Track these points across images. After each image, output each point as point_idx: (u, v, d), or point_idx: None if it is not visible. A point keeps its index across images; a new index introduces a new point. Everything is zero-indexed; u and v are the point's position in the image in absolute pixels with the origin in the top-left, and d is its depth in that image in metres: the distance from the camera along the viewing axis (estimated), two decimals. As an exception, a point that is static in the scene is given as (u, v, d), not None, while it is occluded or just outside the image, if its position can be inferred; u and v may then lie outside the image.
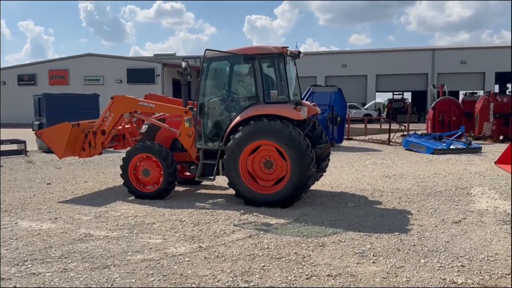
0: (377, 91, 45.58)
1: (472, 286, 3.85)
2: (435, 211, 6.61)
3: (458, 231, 5.53)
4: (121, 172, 7.61)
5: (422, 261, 4.46)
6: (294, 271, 4.23)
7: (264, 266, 4.37)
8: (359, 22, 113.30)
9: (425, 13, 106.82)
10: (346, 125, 20.01)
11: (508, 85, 46.64)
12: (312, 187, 8.56)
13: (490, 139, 19.26)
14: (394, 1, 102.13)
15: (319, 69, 43.48)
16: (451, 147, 14.49)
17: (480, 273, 4.14)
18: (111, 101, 8.08)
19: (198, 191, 8.32)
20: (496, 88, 42.54)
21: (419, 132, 17.99)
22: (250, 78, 7.25)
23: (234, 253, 4.75)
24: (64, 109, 15.44)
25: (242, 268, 4.31)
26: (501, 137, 19.61)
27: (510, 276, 4.06)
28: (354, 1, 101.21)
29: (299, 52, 7.60)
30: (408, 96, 47.94)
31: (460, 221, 6.02)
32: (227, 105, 7.43)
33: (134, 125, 8.85)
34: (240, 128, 6.81)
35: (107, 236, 5.41)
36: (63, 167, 11.40)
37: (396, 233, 5.42)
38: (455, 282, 3.93)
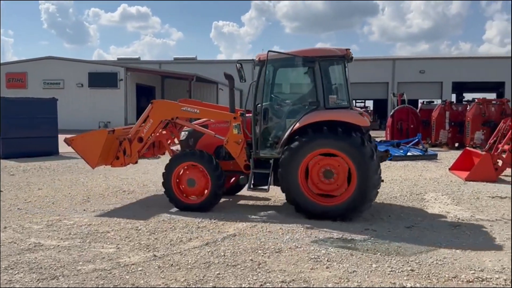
0: (340, 99, 46.44)
1: (419, 289, 3.97)
2: (389, 216, 6.79)
3: (410, 236, 5.70)
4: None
5: (374, 265, 4.56)
6: (248, 278, 4.22)
7: (219, 274, 4.34)
8: (324, 31, 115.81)
9: (387, 24, 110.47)
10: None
11: (464, 95, 48.77)
12: (277, 193, 8.63)
13: (446, 146, 20.04)
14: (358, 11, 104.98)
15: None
16: (408, 154, 14.97)
17: (429, 276, 4.28)
18: (150, 106, 7.47)
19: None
20: (453, 97, 44.45)
21: (378, 139, 18.49)
22: (310, 81, 6.93)
23: (190, 261, 4.70)
24: (21, 114, 14.89)
25: (197, 276, 4.27)
26: (456, 144, 20.44)
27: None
28: (319, 10, 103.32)
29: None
30: (370, 104, 49.27)
31: (412, 226, 6.21)
32: (285, 110, 7.10)
33: (168, 132, 8.18)
34: (301, 135, 6.38)
35: (58, 245, 5.22)
36: (17, 173, 10.95)
37: (350, 238, 5.53)
38: (404, 286, 4.03)
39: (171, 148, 8.20)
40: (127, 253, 4.97)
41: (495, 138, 11.56)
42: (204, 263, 4.62)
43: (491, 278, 4.20)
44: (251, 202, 7.88)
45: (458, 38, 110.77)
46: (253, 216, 6.70)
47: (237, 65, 7.14)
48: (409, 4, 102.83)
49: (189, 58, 48.22)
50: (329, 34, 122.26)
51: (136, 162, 7.77)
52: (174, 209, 7.12)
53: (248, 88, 7.14)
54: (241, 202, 7.94)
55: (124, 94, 32.78)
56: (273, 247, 5.17)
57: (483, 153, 11.02)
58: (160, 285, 4.07)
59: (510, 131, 10.99)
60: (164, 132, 7.96)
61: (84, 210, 7.13)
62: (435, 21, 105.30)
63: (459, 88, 46.04)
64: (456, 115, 20.63)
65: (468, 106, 20.99)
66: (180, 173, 7.06)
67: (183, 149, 7.61)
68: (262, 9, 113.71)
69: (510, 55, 35.90)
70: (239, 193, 8.30)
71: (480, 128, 18.68)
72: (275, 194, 7.80)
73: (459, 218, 6.72)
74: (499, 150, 10.97)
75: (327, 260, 4.72)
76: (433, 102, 26.46)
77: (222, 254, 4.92)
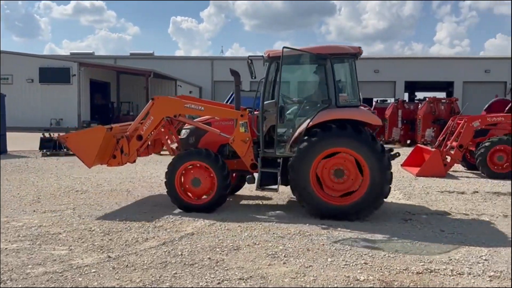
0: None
1: (372, 282, 4.10)
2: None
3: (352, 230, 5.85)
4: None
5: (329, 260, 4.67)
6: (206, 277, 4.20)
7: (176, 273, 4.29)
8: (284, 29, 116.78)
9: (344, 24, 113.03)
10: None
11: (416, 93, 50.80)
12: (241, 190, 8.63)
13: (398, 143, 20.83)
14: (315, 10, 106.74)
15: (245, 74, 43.95)
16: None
17: (381, 269, 4.43)
18: (150, 103, 7.14)
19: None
20: (406, 96, 46.19)
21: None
22: (321, 79, 6.82)
23: (146, 261, 4.61)
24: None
25: (153, 277, 4.19)
26: (408, 141, 21.29)
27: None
28: (279, 9, 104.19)
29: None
30: (328, 102, 50.06)
31: (366, 220, 6.39)
32: (296, 108, 6.97)
33: (166, 129, 7.80)
34: (314, 133, 6.30)
35: (6, 248, 4.96)
36: (-41, 174, 10.30)
37: (307, 233, 5.63)
38: (357, 279, 4.15)
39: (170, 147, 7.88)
40: (80, 254, 4.80)
41: (444, 135, 12.16)
42: (161, 263, 4.55)
43: (439, 269, 4.40)
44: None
45: (411, 38, 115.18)
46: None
47: (248, 60, 7.11)
48: (364, 4, 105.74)
49: (146, 54, 47.18)
50: (288, 32, 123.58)
51: (134, 161, 7.47)
52: (133, 209, 6.97)
53: (257, 85, 7.02)
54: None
55: (77, 90, 31.64)
56: (231, 244, 5.17)
57: (433, 149, 11.54)
58: (114, 286, 3.97)
59: (458, 128, 11.58)
60: (162, 129, 7.59)
61: (34, 211, 6.82)
62: (390, 22, 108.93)
63: (411, 87, 47.90)
64: (408, 113, 21.48)
65: (420, 104, 21.91)
66: (183, 173, 6.81)
67: (184, 148, 7.36)
68: (221, 6, 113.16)
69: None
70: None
71: (431, 126, 19.55)
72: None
73: (410, 212, 7.00)
74: (448, 147, 11.54)
75: (284, 256, 4.78)
76: (386, 100, 27.40)
77: (179, 253, 4.87)
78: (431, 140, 18.09)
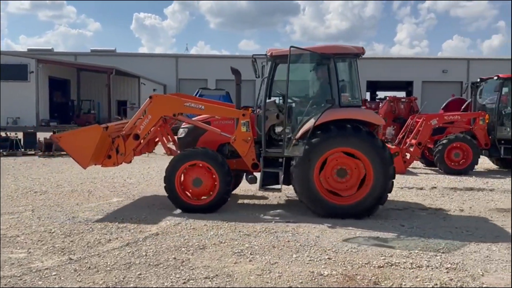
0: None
1: (336, 276, 4.20)
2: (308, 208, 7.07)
3: (328, 226, 5.98)
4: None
5: (294, 256, 4.74)
6: (171, 277, 4.16)
7: (140, 274, 4.22)
8: (248, 28, 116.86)
9: (308, 24, 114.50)
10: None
11: (378, 93, 52.14)
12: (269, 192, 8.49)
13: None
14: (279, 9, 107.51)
15: (210, 72, 43.82)
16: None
17: (344, 264, 4.54)
18: (148, 101, 6.94)
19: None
20: (368, 95, 47.39)
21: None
22: (324, 79, 6.78)
23: (109, 263, 4.51)
24: None
25: (116, 278, 4.11)
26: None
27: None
28: (243, 7, 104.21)
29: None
30: (293, 100, 50.57)
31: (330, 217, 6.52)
32: (300, 108, 6.88)
33: (162, 128, 7.64)
34: (318, 133, 6.29)
35: (-42, 254, 4.73)
36: None
37: (273, 230, 5.68)
38: (321, 274, 4.24)
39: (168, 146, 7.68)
40: (40, 257, 4.64)
41: (403, 133, 12.57)
42: (124, 264, 4.47)
43: (399, 263, 4.56)
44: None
45: (372, 39, 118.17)
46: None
47: (252, 59, 7.06)
48: (327, 5, 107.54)
49: (107, 50, 46.04)
50: (253, 31, 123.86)
51: (130, 162, 7.22)
52: (102, 211, 6.79)
53: (260, 84, 6.96)
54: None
55: (35, 88, 30.51)
56: (197, 244, 5.14)
57: (393, 147, 11.90)
58: (76, 289, 3.87)
59: (417, 126, 12.01)
60: (158, 128, 7.38)
61: (-11, 214, 6.52)
62: (352, 22, 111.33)
63: (373, 86, 49.18)
64: (371, 112, 21.98)
65: (381, 103, 22.52)
66: (183, 173, 6.66)
67: (182, 147, 7.22)
68: (186, 3, 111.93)
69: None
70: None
71: (391, 124, 20.14)
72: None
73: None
74: (407, 144, 11.94)
75: (250, 254, 4.81)
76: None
77: (144, 254, 4.79)
78: (391, 138, 18.65)
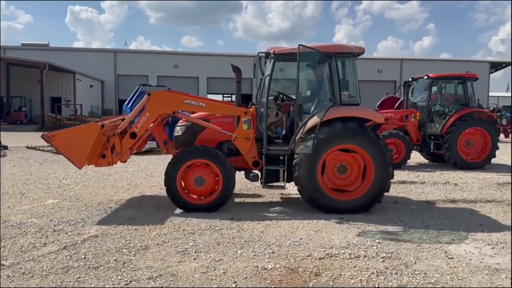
0: (208, 93, 47.13)
1: (279, 270, 4.29)
2: (255, 205, 7.17)
3: (271, 221, 6.10)
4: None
5: (239, 252, 4.79)
6: (112, 279, 4.04)
7: (79, 278, 4.06)
8: (190, 24, 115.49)
9: (250, 22, 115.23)
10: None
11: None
12: (141, 189, 8.38)
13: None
14: (222, 7, 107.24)
15: (151, 68, 42.78)
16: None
17: (287, 257, 4.66)
18: (146, 98, 6.69)
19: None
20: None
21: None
22: (326, 77, 6.81)
23: (45, 267, 4.29)
24: None
25: (53, 283, 3.93)
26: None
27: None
28: (185, 3, 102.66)
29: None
30: (236, 98, 50.78)
31: (274, 211, 6.65)
32: (303, 106, 6.73)
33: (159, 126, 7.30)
34: (323, 129, 6.35)
35: None
36: None
37: (218, 228, 5.69)
38: (265, 268, 4.32)
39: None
40: (-35, 266, 4.31)
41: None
42: (62, 268, 4.27)
43: (338, 254, 4.76)
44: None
45: (312, 39, 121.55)
46: (113, 217, 6.41)
47: (256, 58, 7.08)
48: (269, 4, 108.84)
49: (40, 44, 43.37)
50: (195, 28, 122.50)
51: (125, 161, 6.94)
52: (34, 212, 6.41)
53: (260, 82, 6.90)
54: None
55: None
56: (139, 244, 5.03)
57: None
58: (8, 297, 3.65)
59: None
60: (151, 125, 7.02)
61: None
62: (293, 22, 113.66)
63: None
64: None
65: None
66: (184, 173, 6.53)
67: (179, 146, 7.05)
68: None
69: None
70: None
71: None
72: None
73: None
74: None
75: (195, 252, 4.79)
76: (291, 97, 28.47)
77: (83, 257, 4.61)
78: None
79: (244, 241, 5.17)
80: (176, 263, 4.48)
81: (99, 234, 5.44)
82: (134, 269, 4.28)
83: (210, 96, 48.34)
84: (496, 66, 51.24)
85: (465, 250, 4.94)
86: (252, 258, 4.60)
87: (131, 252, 4.79)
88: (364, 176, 6.63)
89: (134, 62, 43.40)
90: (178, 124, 7.35)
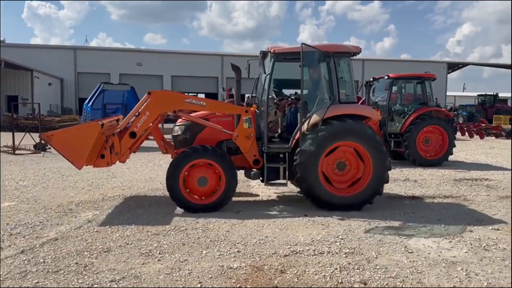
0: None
1: (245, 268, 4.31)
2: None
3: (237, 220, 6.10)
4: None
5: (204, 252, 4.76)
6: (73, 283, 3.92)
7: (37, 282, 3.92)
8: (154, 21, 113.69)
9: (215, 20, 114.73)
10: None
11: (284, 91, 53.83)
12: (103, 190, 8.18)
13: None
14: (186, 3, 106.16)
15: (112, 66, 41.77)
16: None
17: (252, 255, 4.67)
18: (146, 97, 6.60)
19: None
20: (273, 93, 48.80)
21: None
22: (326, 76, 6.89)
23: (1, 273, 4.11)
24: None
25: (9, 289, 3.77)
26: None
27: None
28: (148, 1, 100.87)
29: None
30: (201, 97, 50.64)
31: (239, 211, 6.66)
32: (303, 104, 6.79)
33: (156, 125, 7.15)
34: (323, 127, 6.48)
35: None
36: None
37: (183, 228, 5.64)
38: (231, 267, 4.32)
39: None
40: None
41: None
42: (19, 273, 4.11)
43: (303, 250, 4.82)
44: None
45: (277, 38, 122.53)
46: (74, 219, 6.23)
47: (260, 58, 7.11)
48: (234, 3, 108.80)
49: (-6, 41, 41.42)
50: (159, 25, 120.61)
51: (124, 161, 6.83)
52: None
53: (255, 81, 7.06)
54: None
55: None
56: (101, 247, 4.90)
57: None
58: (-40, 306, 3.47)
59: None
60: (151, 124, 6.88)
61: None
62: (258, 21, 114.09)
63: (279, 84, 50.73)
64: (277, 108, 22.73)
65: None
66: (185, 173, 6.50)
67: (178, 145, 7.07)
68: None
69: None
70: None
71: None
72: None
73: (275, 198, 7.48)
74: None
75: (159, 253, 4.72)
76: (255, 96, 28.56)
77: (42, 261, 4.45)
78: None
79: (210, 241, 5.15)
80: (140, 265, 4.40)
81: (59, 237, 5.26)
82: (96, 272, 4.17)
83: (174, 95, 47.91)
84: (453, 66, 53.47)
85: (424, 244, 5.12)
86: (217, 258, 4.59)
87: (92, 254, 4.67)
88: (353, 184, 6.83)
89: (95, 60, 42.26)
90: (177, 124, 7.32)
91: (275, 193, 8.21)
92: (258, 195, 8.03)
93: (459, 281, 4.05)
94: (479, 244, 5.11)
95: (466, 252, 4.84)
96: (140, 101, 6.78)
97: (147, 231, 5.52)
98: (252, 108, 6.94)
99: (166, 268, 4.29)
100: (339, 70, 6.95)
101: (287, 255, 4.68)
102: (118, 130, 6.63)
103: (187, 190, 6.58)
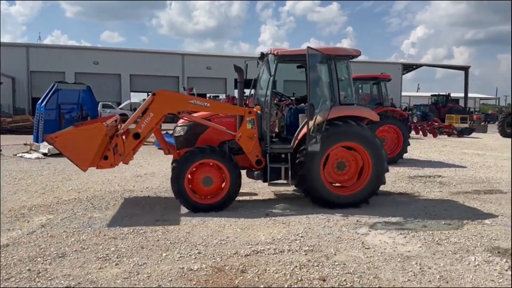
0: (131, 91, 45.55)
1: (206, 270, 4.28)
2: (181, 205, 7.05)
3: (198, 221, 6.06)
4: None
5: (164, 254, 4.68)
6: (25, 291, 3.76)
7: (-15, 292, 3.72)
8: (111, 19, 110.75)
9: (175, 19, 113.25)
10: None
11: (245, 90, 53.86)
12: (58, 193, 7.88)
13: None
14: (145, 1, 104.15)
15: (68, 64, 40.37)
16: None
17: (213, 256, 4.65)
18: (151, 98, 6.54)
19: None
20: (235, 93, 48.88)
21: (170, 132, 18.87)
22: (327, 78, 7.04)
23: None
24: None
25: (-46, 300, 3.55)
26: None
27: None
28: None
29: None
30: (162, 97, 49.73)
31: (202, 212, 6.59)
32: (305, 105, 6.96)
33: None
34: (327, 128, 6.62)
35: None
36: None
37: (142, 231, 5.52)
38: (191, 269, 4.28)
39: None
40: None
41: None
42: (-35, 283, 3.89)
43: (264, 250, 4.85)
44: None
45: (238, 38, 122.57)
46: (26, 224, 5.98)
47: (266, 58, 7.19)
48: (194, 2, 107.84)
49: None
50: (116, 23, 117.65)
51: (127, 163, 6.73)
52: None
53: (253, 82, 7.34)
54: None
55: None
56: (55, 252, 4.72)
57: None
58: None
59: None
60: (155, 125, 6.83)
61: None
62: (219, 20, 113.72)
63: (237, 84, 50.79)
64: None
65: (248, 101, 23.51)
66: (193, 171, 6.57)
67: (180, 146, 7.10)
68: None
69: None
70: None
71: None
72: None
73: (240, 201, 7.48)
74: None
75: (117, 257, 4.60)
76: (218, 96, 28.56)
77: (-10, 269, 4.23)
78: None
79: (170, 243, 5.07)
80: (96, 269, 4.27)
81: (10, 243, 5.02)
82: (50, 279, 4.01)
83: (133, 94, 46.83)
84: (407, 67, 55.50)
85: (380, 240, 5.29)
86: (177, 260, 4.53)
87: (46, 260, 4.49)
88: (362, 171, 7.03)
89: (49, 58, 40.66)
90: (179, 124, 7.31)
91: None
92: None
93: (413, 275, 4.21)
94: (432, 238, 5.32)
95: (420, 247, 5.03)
96: (145, 101, 6.74)
97: (104, 235, 5.37)
98: (255, 109, 7.03)
99: (124, 272, 4.18)
100: (339, 72, 7.17)
101: (248, 255, 4.69)
102: (122, 131, 6.61)
103: (192, 191, 6.66)
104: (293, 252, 4.79)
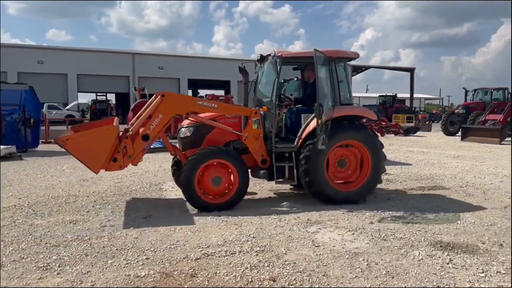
0: (79, 91, 43.86)
1: (153, 276, 4.15)
2: (129, 210, 6.84)
3: (147, 225, 5.88)
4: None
5: (109, 261, 4.50)
6: (-47, 308, 3.46)
7: None
8: (57, 17, 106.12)
9: (125, 17, 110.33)
10: (43, 127, 18.48)
11: (199, 91, 53.61)
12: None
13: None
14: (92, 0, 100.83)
15: (10, 64, 38.18)
16: (151, 146, 15.44)
17: (162, 261, 4.52)
18: (159, 99, 6.58)
19: None
20: (190, 93, 48.45)
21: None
22: (328, 80, 7.21)
23: None
24: None
25: None
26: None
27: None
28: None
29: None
30: (112, 97, 48.30)
31: (150, 215, 6.43)
32: (309, 106, 7.29)
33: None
34: (331, 127, 6.79)
35: None
36: None
37: (87, 238, 5.28)
38: (138, 276, 4.13)
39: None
40: None
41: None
42: None
43: (215, 252, 4.78)
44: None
45: (192, 38, 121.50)
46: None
47: (272, 59, 7.28)
48: (145, 1, 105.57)
49: None
50: (63, 21, 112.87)
51: (136, 164, 6.70)
52: None
53: (250, 84, 7.43)
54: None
55: None
56: (-10, 263, 4.41)
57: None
58: None
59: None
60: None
61: None
62: (171, 20, 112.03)
63: (194, 84, 50.43)
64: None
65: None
66: (200, 173, 6.63)
67: (185, 147, 7.20)
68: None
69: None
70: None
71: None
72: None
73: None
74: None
75: (59, 266, 4.37)
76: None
77: None
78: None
79: (116, 249, 4.88)
80: (36, 279, 4.03)
81: None
82: (-18, 293, 3.73)
83: (80, 95, 45.10)
84: (357, 69, 57.22)
85: (329, 237, 5.37)
86: (124, 267, 4.36)
87: (-21, 274, 4.17)
88: (362, 164, 7.32)
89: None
90: (184, 125, 7.39)
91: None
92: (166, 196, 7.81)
93: (361, 271, 4.30)
94: (379, 235, 5.48)
95: (367, 243, 5.16)
96: (153, 103, 6.69)
97: (46, 243, 5.08)
98: (261, 110, 7.22)
99: (67, 282, 3.98)
100: (338, 74, 7.41)
101: (198, 258, 4.60)
102: (131, 133, 6.54)
103: (201, 191, 6.72)
104: (244, 253, 4.76)
